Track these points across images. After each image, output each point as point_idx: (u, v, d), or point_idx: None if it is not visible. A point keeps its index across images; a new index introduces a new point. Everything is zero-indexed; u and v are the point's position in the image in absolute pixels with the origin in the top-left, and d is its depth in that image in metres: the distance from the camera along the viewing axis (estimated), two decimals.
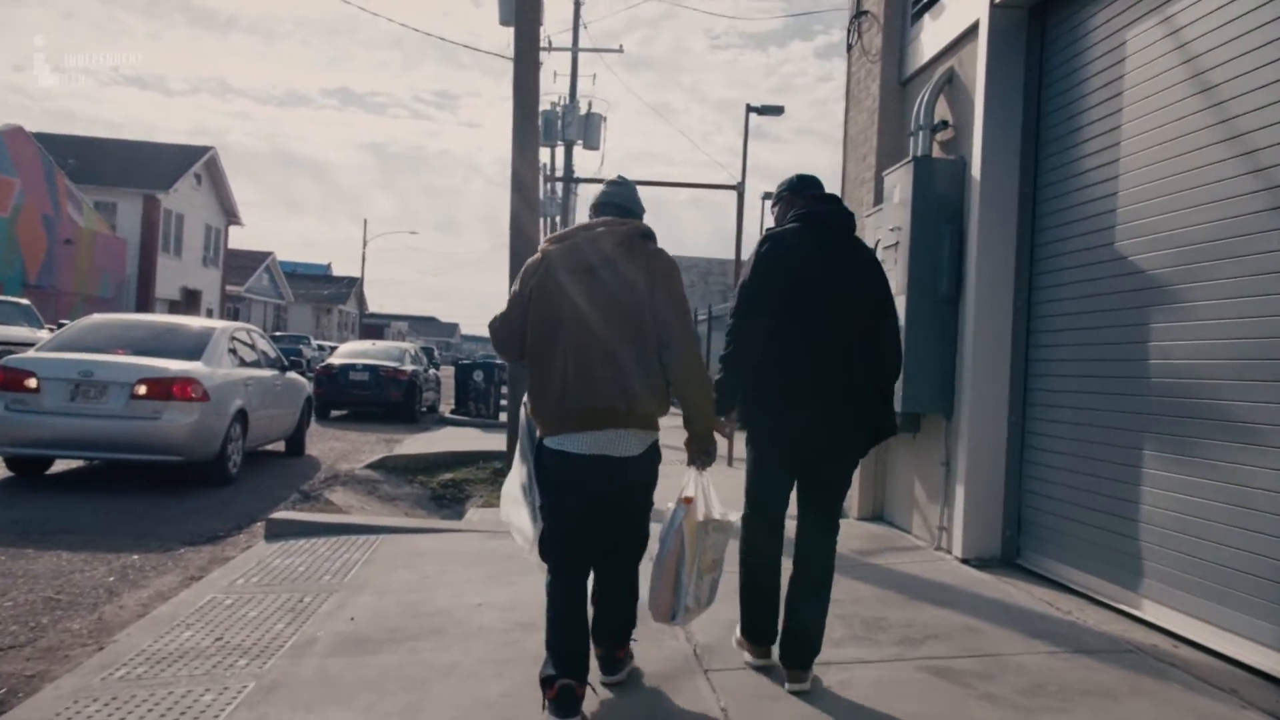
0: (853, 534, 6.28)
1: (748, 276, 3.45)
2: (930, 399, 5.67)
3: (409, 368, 17.77)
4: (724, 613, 4.22)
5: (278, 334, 41.93)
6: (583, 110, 31.35)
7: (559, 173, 33.46)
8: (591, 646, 3.25)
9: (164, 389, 7.80)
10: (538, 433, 3.24)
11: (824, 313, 3.38)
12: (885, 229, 6.06)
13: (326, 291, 56.56)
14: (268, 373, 10.06)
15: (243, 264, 44.19)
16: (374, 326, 64.55)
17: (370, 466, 10.69)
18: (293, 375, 10.98)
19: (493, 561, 5.52)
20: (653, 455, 3.20)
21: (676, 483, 3.42)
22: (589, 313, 3.10)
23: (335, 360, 17.77)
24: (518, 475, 3.46)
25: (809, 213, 3.52)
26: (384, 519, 7.22)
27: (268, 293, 47.89)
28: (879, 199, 6.59)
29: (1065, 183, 5.02)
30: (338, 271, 64.77)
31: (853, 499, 6.81)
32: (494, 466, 11.09)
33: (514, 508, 3.46)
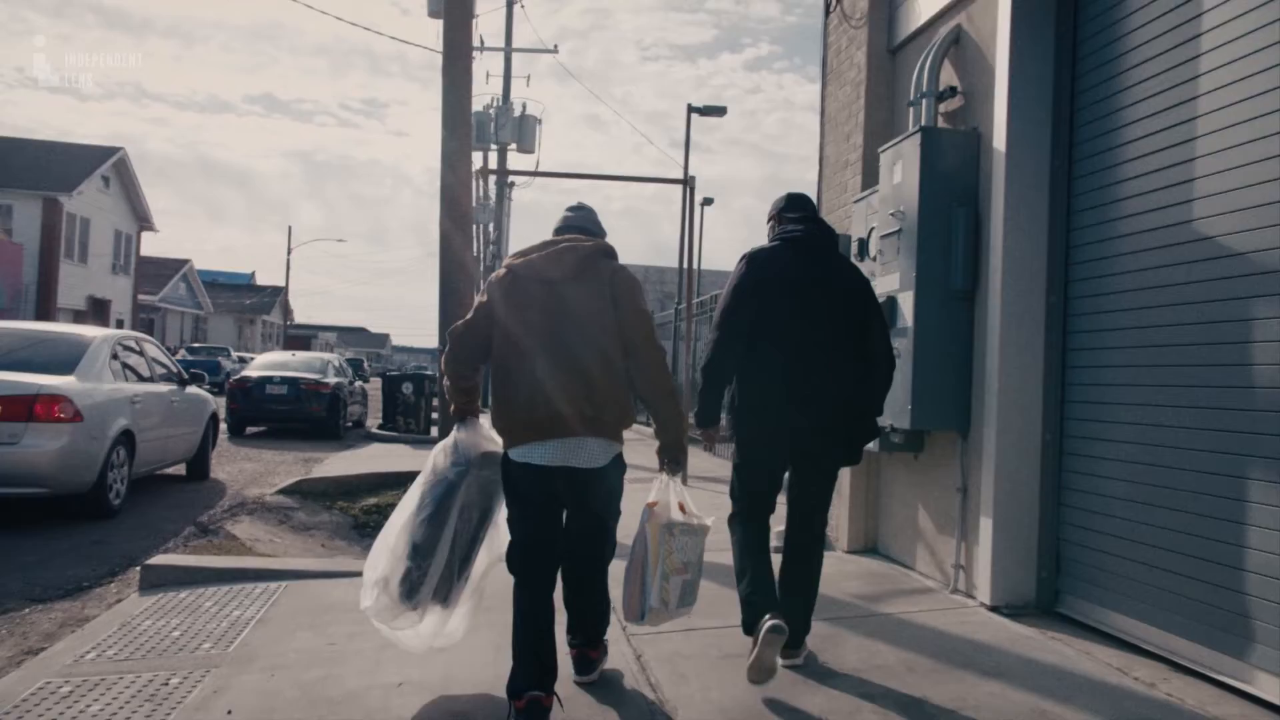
0: (846, 571, 5.37)
1: (726, 295, 3.65)
2: (941, 413, 4.79)
3: (332, 380, 16.48)
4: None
5: (196, 345, 39.87)
6: (516, 112, 30.21)
7: (492, 178, 32.30)
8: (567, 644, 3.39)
9: (23, 408, 6.55)
10: (502, 445, 3.25)
11: (801, 327, 3.54)
12: (883, 214, 5.17)
13: (249, 301, 54.15)
14: (162, 388, 8.81)
15: (157, 272, 41.94)
16: (300, 338, 62.12)
17: (283, 491, 9.47)
18: (194, 390, 9.73)
19: None
20: (617, 466, 3.25)
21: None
22: (555, 325, 3.16)
23: (251, 372, 16.39)
24: (406, 532, 3.32)
25: (789, 233, 3.72)
26: (290, 560, 6.08)
27: (185, 302, 45.59)
28: (869, 182, 5.72)
29: (1110, 154, 4.18)
30: (264, 281, 62.26)
31: (841, 528, 5.91)
32: None
33: (389, 562, 3.32)
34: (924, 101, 5.09)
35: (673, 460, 3.33)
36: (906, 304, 4.80)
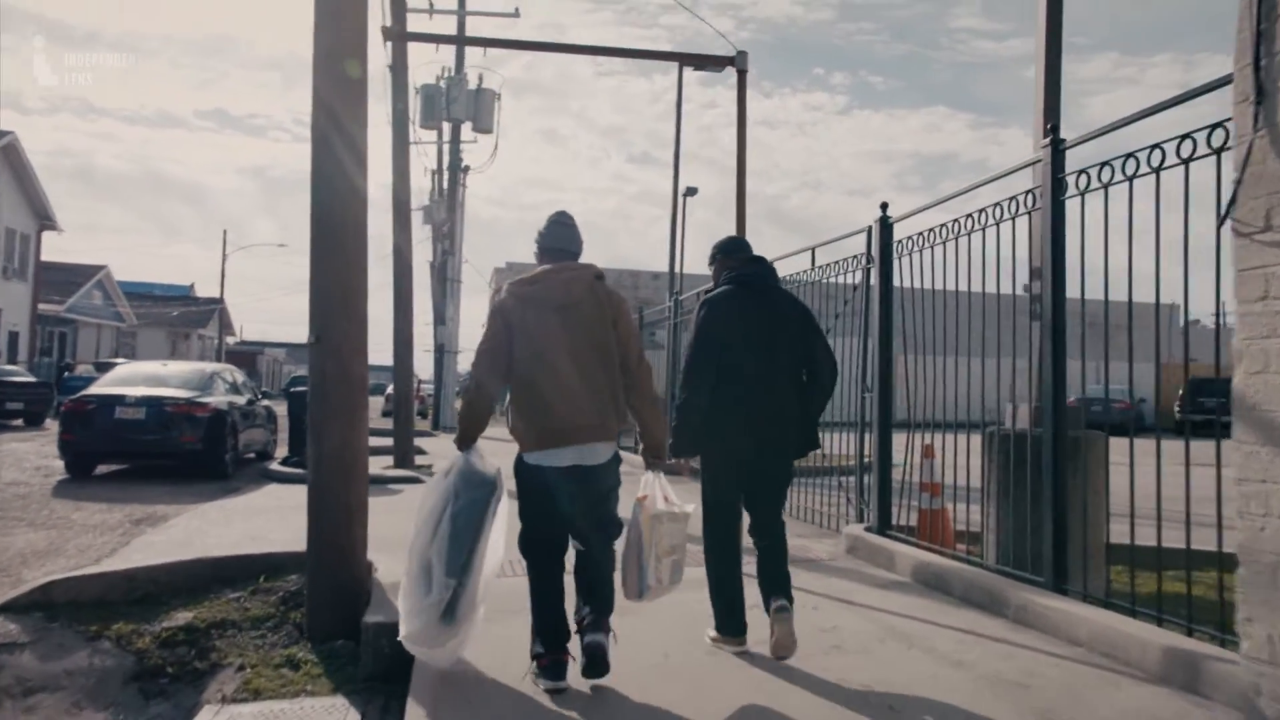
0: None
1: (692, 340, 4.17)
2: None
3: (215, 400, 11.97)
4: None
5: (106, 361, 34.75)
6: (472, 84, 25.81)
7: (445, 163, 27.88)
8: (577, 638, 3.68)
9: None
10: (519, 450, 3.72)
11: (754, 357, 4.09)
12: None
13: (176, 313, 48.85)
14: None
15: (66, 279, 36.96)
16: (243, 354, 56.97)
17: (8, 608, 5.10)
18: None
19: None
20: (616, 460, 3.78)
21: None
22: (566, 345, 3.65)
23: (95, 390, 11.82)
24: (440, 557, 3.55)
25: (738, 275, 4.28)
26: None
27: (101, 314, 40.52)
28: None
29: None
30: (208, 294, 56.89)
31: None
32: (287, 587, 5.62)
33: (427, 587, 3.56)
34: None
35: (656, 458, 3.92)
36: None
